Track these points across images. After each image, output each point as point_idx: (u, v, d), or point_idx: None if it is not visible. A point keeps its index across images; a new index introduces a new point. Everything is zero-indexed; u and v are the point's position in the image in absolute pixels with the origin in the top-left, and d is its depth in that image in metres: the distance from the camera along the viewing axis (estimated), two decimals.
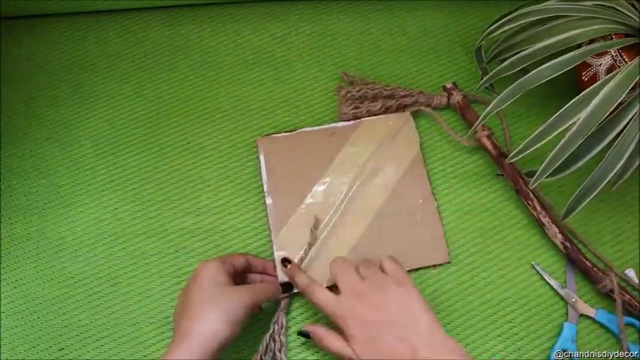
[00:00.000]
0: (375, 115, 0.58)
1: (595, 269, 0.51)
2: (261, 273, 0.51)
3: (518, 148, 0.49)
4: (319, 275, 0.49)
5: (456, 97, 0.58)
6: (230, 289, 0.43)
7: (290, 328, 0.51)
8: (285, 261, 0.49)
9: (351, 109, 0.57)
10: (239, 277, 0.48)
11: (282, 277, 0.50)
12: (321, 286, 0.45)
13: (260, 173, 0.54)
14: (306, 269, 0.50)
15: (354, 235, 0.52)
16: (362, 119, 0.57)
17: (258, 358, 0.48)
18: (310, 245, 0.51)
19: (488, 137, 0.56)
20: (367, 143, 0.56)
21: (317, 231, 0.51)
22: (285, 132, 0.56)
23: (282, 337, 0.49)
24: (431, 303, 0.52)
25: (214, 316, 0.41)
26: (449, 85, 0.59)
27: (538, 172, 0.48)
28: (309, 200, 0.53)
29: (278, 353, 0.48)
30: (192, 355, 0.39)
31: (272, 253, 0.52)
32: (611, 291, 0.50)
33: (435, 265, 0.53)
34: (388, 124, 0.57)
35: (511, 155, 0.50)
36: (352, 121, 0.57)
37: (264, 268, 0.51)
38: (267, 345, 0.48)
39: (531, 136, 0.48)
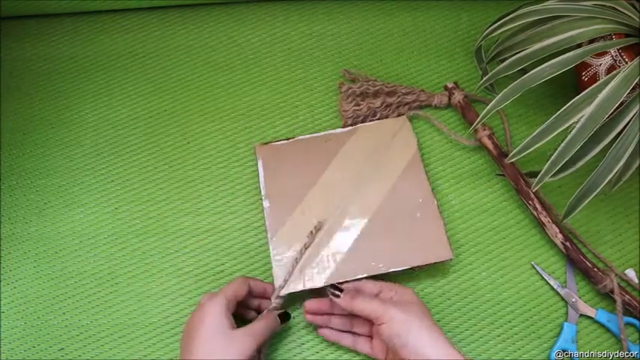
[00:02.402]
0: (375, 111, 0.58)
1: (595, 269, 0.51)
2: (260, 297, 0.50)
3: (519, 148, 0.49)
4: (316, 276, 0.49)
5: (458, 96, 0.58)
6: (233, 338, 0.43)
7: (288, 330, 0.51)
8: (335, 289, 0.48)
9: (352, 106, 0.58)
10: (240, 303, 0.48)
11: (276, 303, 0.49)
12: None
13: (258, 178, 0.54)
14: (301, 270, 0.50)
15: (351, 235, 0.52)
16: (358, 125, 0.57)
17: None
18: (306, 247, 0.51)
19: (489, 137, 0.56)
20: (364, 147, 0.56)
21: (316, 234, 0.51)
22: (284, 140, 0.57)
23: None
24: (430, 303, 0.52)
25: None
26: (450, 85, 0.59)
27: (540, 174, 0.48)
28: (305, 203, 0.53)
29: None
30: None
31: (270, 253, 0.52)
32: (611, 291, 0.50)
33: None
34: (384, 129, 0.57)
35: (511, 155, 0.50)
36: (348, 128, 0.57)
37: (263, 291, 0.49)
38: None
39: (531, 136, 0.48)
